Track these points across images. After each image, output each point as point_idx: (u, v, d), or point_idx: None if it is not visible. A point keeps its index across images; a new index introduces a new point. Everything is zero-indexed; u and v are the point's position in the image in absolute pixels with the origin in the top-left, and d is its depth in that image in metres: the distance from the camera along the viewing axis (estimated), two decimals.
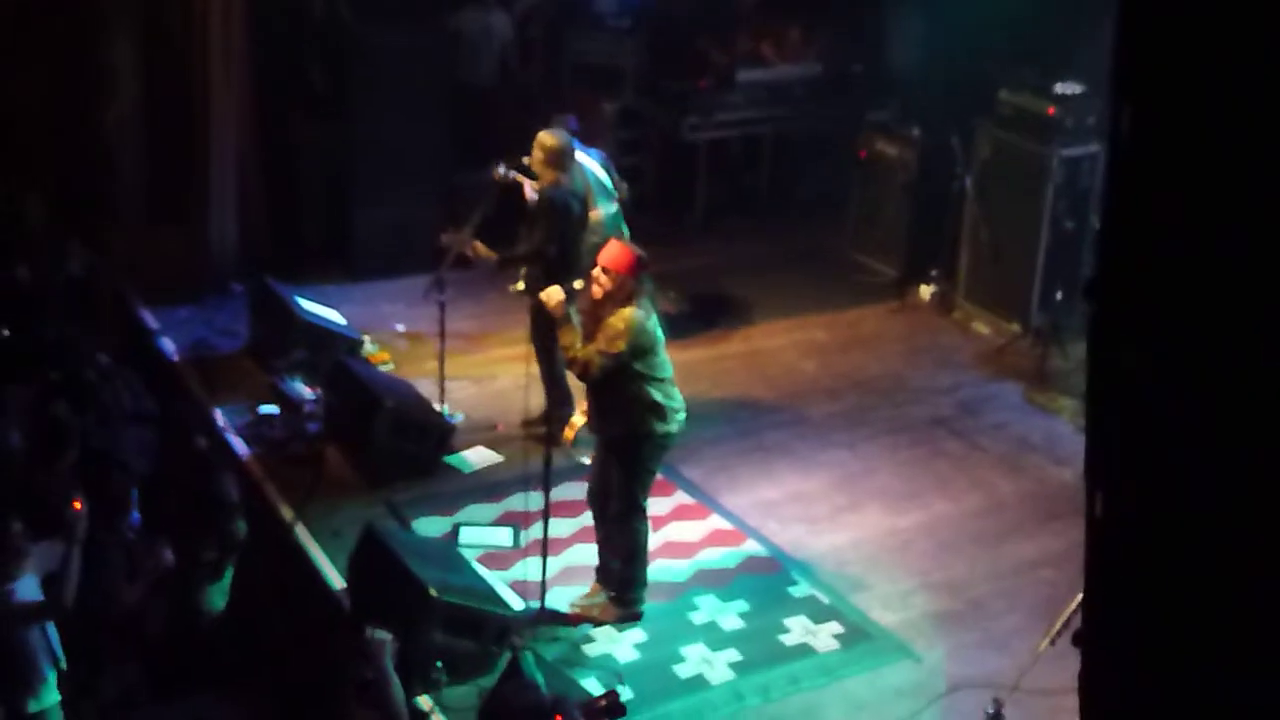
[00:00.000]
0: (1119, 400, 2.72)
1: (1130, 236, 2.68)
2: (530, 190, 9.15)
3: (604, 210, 9.45)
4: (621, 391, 7.37)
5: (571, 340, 7.35)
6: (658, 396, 7.39)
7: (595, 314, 7.42)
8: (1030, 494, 9.13)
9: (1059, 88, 10.85)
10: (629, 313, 7.26)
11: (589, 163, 9.53)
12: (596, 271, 7.38)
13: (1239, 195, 2.49)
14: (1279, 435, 2.47)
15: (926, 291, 11.97)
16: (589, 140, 10.05)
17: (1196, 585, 2.60)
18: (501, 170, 9.18)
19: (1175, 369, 2.61)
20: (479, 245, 9.02)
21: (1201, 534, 2.59)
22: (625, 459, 7.55)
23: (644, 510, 7.66)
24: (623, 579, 7.75)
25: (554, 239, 8.83)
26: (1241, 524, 2.53)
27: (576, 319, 7.59)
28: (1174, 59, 2.54)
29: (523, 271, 9.04)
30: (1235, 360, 2.52)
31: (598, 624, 7.69)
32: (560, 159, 8.93)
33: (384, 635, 6.41)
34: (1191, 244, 2.56)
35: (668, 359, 7.54)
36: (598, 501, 7.77)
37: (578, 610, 7.78)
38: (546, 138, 8.95)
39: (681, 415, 7.54)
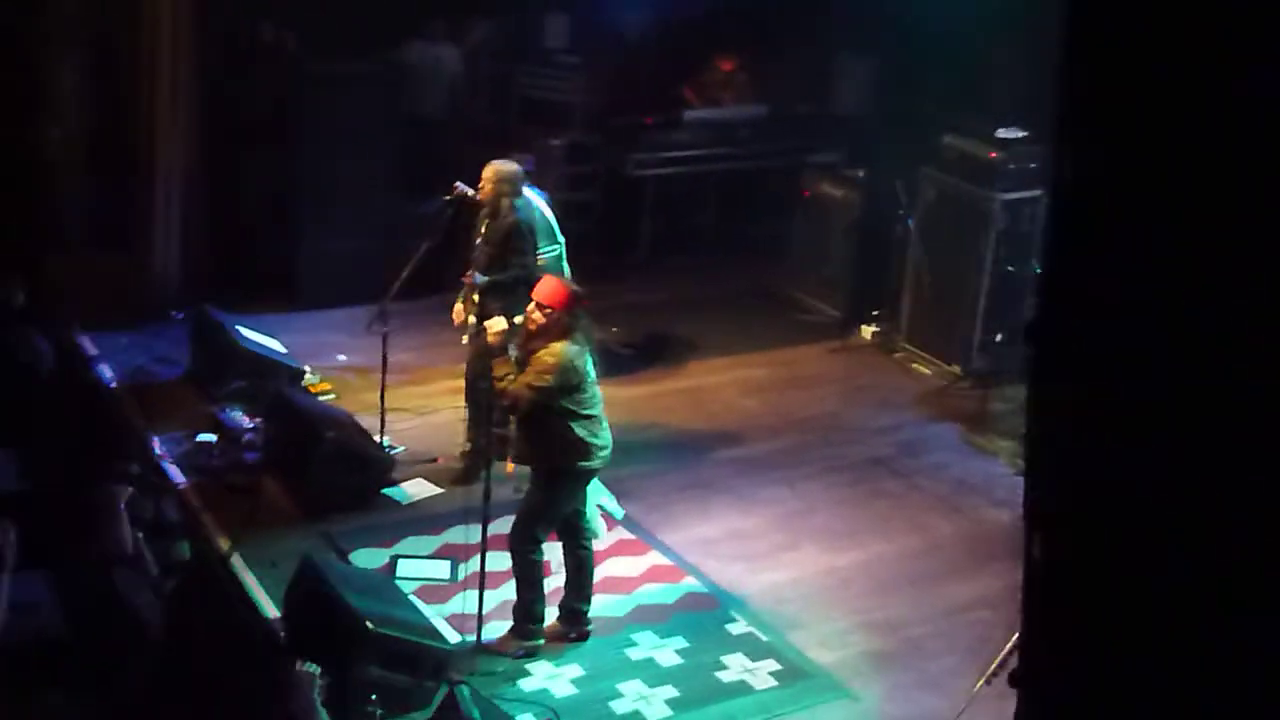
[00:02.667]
0: (1057, 442, 2.75)
1: (1070, 280, 2.71)
2: (484, 180, 9.12)
3: (547, 253, 9.48)
4: (546, 426, 7.40)
5: (505, 372, 7.39)
6: (582, 433, 7.41)
7: (528, 347, 7.47)
8: (968, 535, 9.17)
9: (1001, 132, 10.97)
10: (559, 347, 7.30)
11: (538, 202, 9.55)
12: (531, 307, 7.42)
13: (1179, 240, 2.52)
14: (1218, 479, 2.50)
15: (868, 332, 12.05)
16: (538, 180, 10.10)
17: (1133, 626, 2.63)
18: (460, 187, 9.17)
19: (1114, 412, 2.64)
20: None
21: (1139, 576, 2.61)
22: (540, 489, 7.59)
23: (538, 543, 7.63)
24: (519, 610, 7.72)
25: (530, 259, 8.91)
26: (1180, 567, 2.55)
27: (513, 353, 7.62)
28: (1115, 105, 2.58)
29: (471, 302, 8.99)
30: (1173, 404, 2.55)
31: (497, 654, 7.64)
32: (516, 183, 9.00)
33: (311, 669, 6.37)
34: (1131, 288, 2.60)
35: (599, 394, 7.56)
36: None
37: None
38: (501, 166, 9.00)
39: (606, 453, 7.57)
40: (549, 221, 9.56)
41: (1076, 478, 2.68)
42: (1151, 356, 2.55)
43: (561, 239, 9.66)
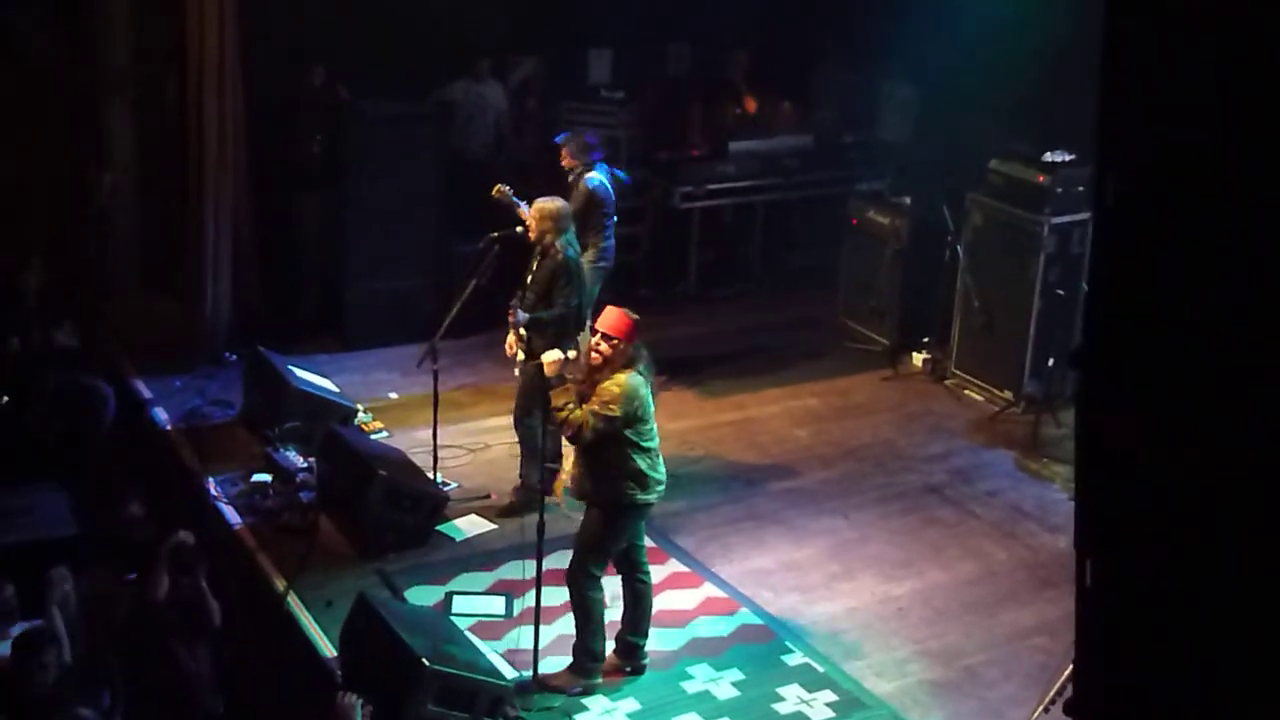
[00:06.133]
0: (1108, 468, 2.73)
1: (1116, 305, 2.70)
2: (530, 218, 9.17)
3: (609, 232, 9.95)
4: (608, 457, 7.38)
5: (565, 401, 7.36)
6: (642, 465, 7.40)
7: (591, 379, 7.44)
8: (1024, 562, 9.11)
9: (1049, 156, 10.92)
10: (624, 378, 7.28)
11: (613, 179, 10.05)
12: (596, 339, 7.40)
13: (1223, 262, 2.51)
14: (1272, 505, 2.48)
15: (919, 359, 12.01)
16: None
17: (1186, 653, 2.61)
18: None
19: (1163, 436, 2.63)
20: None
21: (1191, 601, 2.60)
22: (598, 523, 7.55)
23: (596, 579, 7.61)
24: (578, 646, 7.70)
25: (579, 299, 9.02)
26: (1231, 591, 2.53)
27: (569, 380, 7.64)
28: (1156, 130, 2.57)
29: (519, 338, 9.02)
30: (1222, 427, 2.53)
31: (555, 690, 7.63)
32: (565, 221, 9.05)
33: (353, 699, 6.38)
34: (1177, 311, 2.58)
35: (656, 428, 7.55)
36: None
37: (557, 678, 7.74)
38: (546, 204, 9.04)
39: (662, 487, 7.56)
40: (613, 197, 10.21)
41: (1126, 505, 2.67)
42: (1198, 381, 2.54)
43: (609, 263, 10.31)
